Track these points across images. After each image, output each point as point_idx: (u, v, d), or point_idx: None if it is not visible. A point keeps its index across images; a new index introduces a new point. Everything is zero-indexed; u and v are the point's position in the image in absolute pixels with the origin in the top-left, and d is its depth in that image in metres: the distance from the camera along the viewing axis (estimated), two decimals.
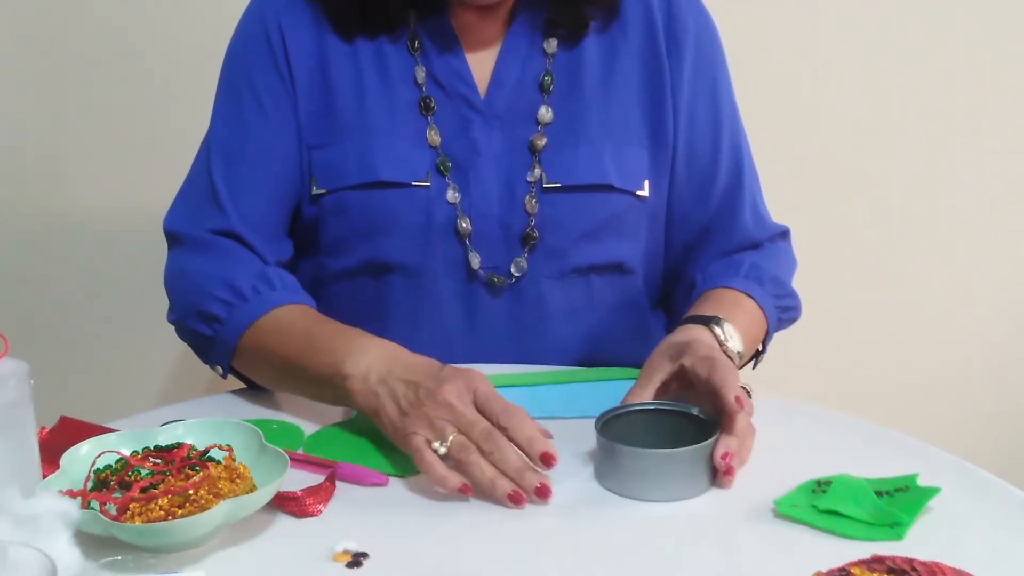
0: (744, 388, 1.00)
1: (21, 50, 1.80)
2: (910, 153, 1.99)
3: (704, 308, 1.16)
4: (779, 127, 1.77)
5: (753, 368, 1.29)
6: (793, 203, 1.40)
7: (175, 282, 1.22)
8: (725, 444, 0.95)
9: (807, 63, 1.93)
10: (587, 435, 0.98)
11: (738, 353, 1.11)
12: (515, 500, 0.92)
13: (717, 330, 1.10)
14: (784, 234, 1.32)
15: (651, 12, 1.24)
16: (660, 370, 1.05)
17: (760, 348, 1.25)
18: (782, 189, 1.40)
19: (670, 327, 1.29)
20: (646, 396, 1.04)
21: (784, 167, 1.41)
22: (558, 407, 1.11)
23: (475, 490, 0.93)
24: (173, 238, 1.23)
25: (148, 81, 1.83)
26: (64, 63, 1.82)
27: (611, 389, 1.13)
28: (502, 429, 0.95)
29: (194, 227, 1.21)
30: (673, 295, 1.33)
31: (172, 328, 1.23)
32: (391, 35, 1.22)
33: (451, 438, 0.95)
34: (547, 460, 0.93)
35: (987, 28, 1.94)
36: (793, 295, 1.27)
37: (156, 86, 1.82)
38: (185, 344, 1.24)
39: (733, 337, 1.11)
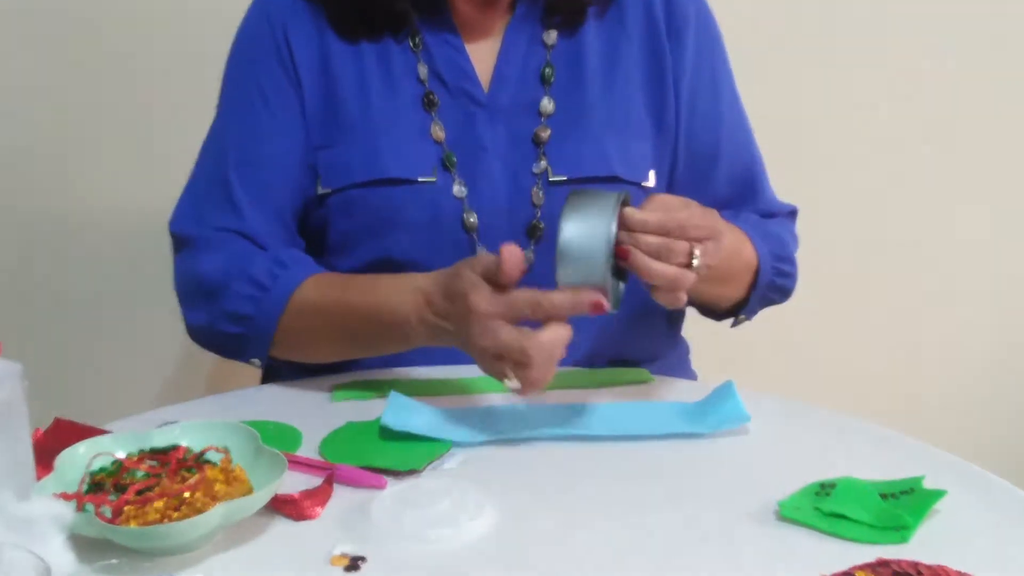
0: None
1: (24, 50, 1.80)
2: (910, 155, 1.98)
3: None
4: (779, 126, 1.77)
5: (732, 326, 1.29)
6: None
7: (189, 287, 1.20)
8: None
9: (817, 60, 1.93)
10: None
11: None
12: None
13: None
14: (792, 213, 1.35)
15: (650, 1, 1.25)
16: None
17: (746, 303, 1.25)
18: (784, 191, 1.39)
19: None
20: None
21: (784, 170, 1.41)
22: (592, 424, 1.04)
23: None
24: (181, 241, 1.22)
25: (151, 81, 1.83)
26: (67, 63, 1.82)
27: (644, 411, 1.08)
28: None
29: (203, 228, 1.20)
30: None
31: (168, 329, 1.23)
32: (393, 33, 1.22)
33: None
34: (597, 307, 0.97)
35: (997, 27, 1.94)
36: (791, 262, 1.27)
37: (159, 86, 1.82)
38: (183, 344, 1.23)
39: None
